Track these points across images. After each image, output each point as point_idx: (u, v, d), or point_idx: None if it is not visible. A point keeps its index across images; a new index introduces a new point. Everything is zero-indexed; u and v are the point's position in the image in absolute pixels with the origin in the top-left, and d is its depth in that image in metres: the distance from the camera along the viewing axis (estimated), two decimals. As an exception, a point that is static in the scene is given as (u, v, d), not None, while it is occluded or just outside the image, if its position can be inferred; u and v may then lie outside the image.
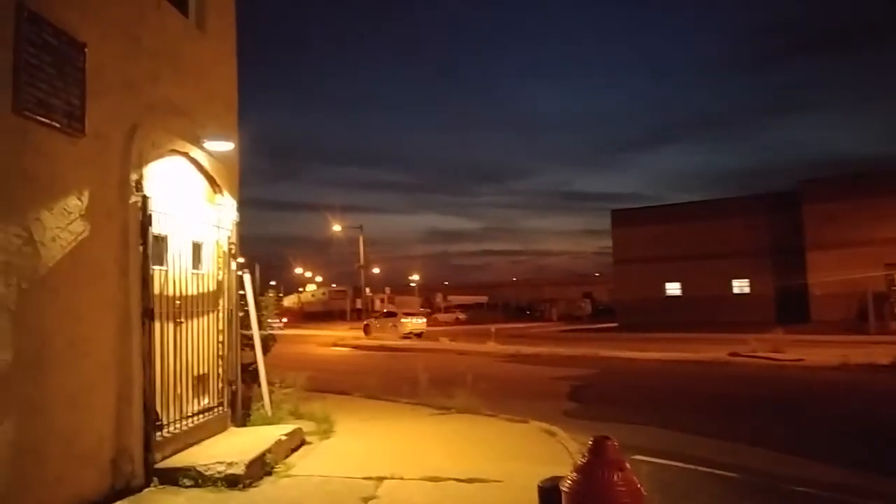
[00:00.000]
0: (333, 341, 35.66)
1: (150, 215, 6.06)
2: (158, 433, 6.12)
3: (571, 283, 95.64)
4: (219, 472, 5.85)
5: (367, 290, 62.45)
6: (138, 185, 5.94)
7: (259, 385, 8.72)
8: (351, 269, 51.53)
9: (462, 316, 66.93)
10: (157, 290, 6.40)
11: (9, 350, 4.46)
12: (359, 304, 65.10)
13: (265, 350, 10.59)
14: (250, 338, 10.23)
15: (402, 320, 38.38)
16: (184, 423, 6.70)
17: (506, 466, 6.72)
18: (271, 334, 10.92)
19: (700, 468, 7.29)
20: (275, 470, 6.43)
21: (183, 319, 6.93)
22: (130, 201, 5.85)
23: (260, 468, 6.24)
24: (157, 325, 6.32)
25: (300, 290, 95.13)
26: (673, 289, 44.03)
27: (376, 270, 79.90)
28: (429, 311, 73.63)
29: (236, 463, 5.96)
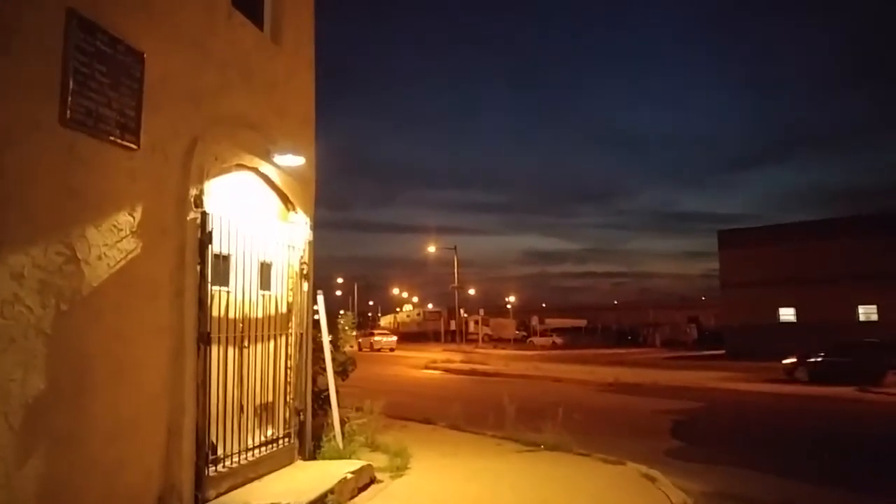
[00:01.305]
0: (426, 363, 35.31)
1: (210, 233, 5.70)
2: (213, 468, 5.70)
3: (676, 307, 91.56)
4: (273, 514, 5.35)
5: (462, 311, 61.96)
6: (198, 201, 5.61)
7: (332, 414, 8.22)
8: (446, 290, 51.34)
9: (559, 340, 65.13)
10: (218, 313, 6.04)
11: (42, 376, 4.12)
12: (453, 326, 64.73)
13: (343, 375, 10.17)
14: (334, 360, 9.85)
15: (375, 338, 51.68)
16: (244, 456, 6.27)
17: (596, 522, 5.87)
18: (351, 358, 10.49)
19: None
20: (336, 513, 5.88)
21: (247, 344, 6.54)
22: (188, 218, 5.51)
23: (320, 510, 5.70)
24: (217, 350, 5.95)
25: (397, 310, 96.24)
26: (787, 314, 40.77)
27: (472, 291, 79.63)
28: (525, 334, 72.46)
29: (293, 504, 5.44)
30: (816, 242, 38.16)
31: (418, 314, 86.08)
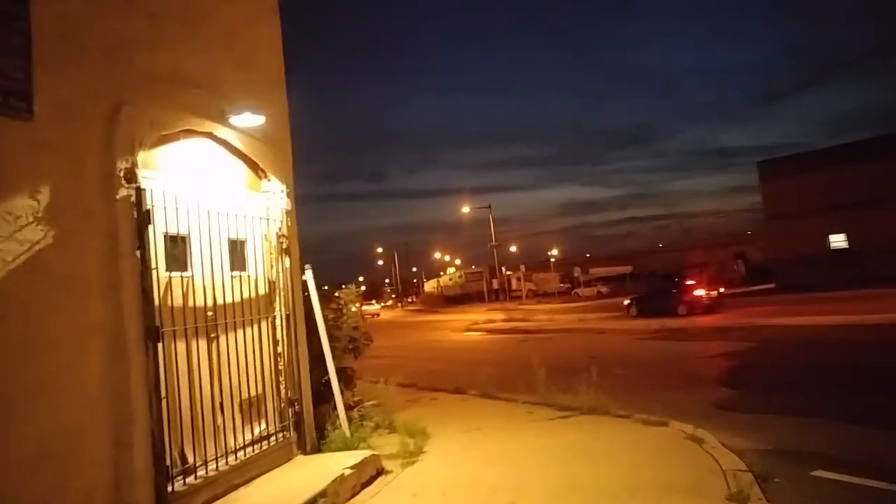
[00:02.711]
0: (467, 325, 34.67)
1: (149, 212, 4.87)
2: (181, 480, 4.97)
3: (721, 244, 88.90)
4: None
5: (503, 269, 61.01)
6: (129, 176, 4.77)
7: (337, 401, 7.47)
8: (488, 250, 50.19)
9: (604, 289, 63.72)
10: (175, 303, 5.26)
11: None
12: (496, 285, 63.92)
13: (355, 353, 9.41)
14: (338, 339, 9.09)
15: (363, 308, 55.24)
16: (226, 460, 5.54)
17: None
18: (365, 334, 9.70)
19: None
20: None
21: (218, 333, 5.77)
22: (119, 196, 4.68)
23: (310, 518, 4.94)
24: (178, 345, 5.18)
25: (440, 274, 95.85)
26: (838, 241, 38.61)
27: (513, 248, 78.54)
28: (569, 286, 71.13)
29: (275, 515, 4.69)
30: (863, 163, 35.71)
31: (460, 276, 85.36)
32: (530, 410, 9.38)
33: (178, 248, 5.39)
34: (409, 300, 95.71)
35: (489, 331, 30.82)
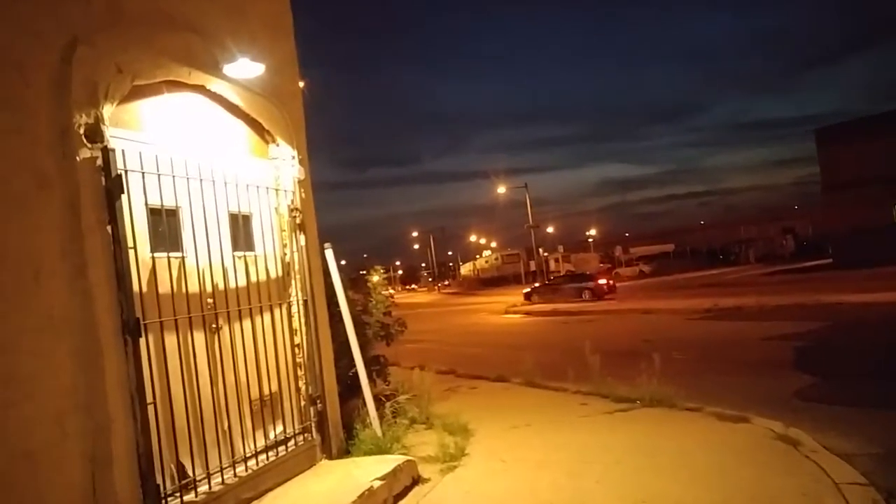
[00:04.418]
0: (505, 308, 33.68)
1: (120, 178, 3.98)
2: (178, 498, 4.12)
3: (767, 219, 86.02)
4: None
5: (540, 250, 59.68)
6: (92, 133, 3.87)
7: (366, 395, 6.56)
8: (524, 232, 48.94)
9: (646, 268, 62.01)
10: (163, 289, 4.38)
11: None
12: (533, 267, 62.62)
13: (387, 340, 8.51)
14: (368, 326, 8.20)
15: None
16: (234, 471, 4.68)
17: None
18: (398, 320, 8.78)
19: None
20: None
21: (221, 324, 4.89)
22: (80, 159, 3.79)
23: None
24: (170, 340, 4.30)
25: (476, 257, 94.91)
26: (903, 212, 36.40)
27: (550, 229, 77.03)
28: (609, 265, 69.44)
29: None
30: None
31: (496, 258, 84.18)
32: (583, 402, 8.36)
33: (166, 224, 4.50)
34: (446, 283, 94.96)
35: (528, 313, 29.74)
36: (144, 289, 4.16)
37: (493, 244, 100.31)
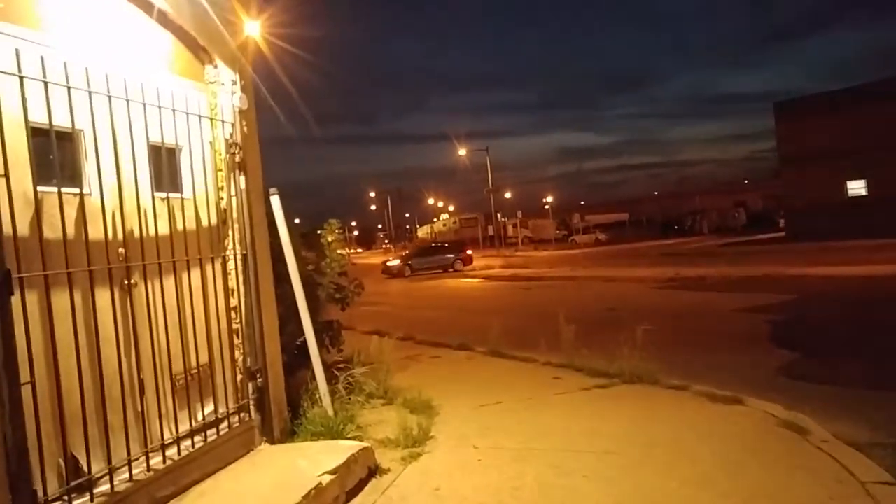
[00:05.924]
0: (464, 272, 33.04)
1: (-11, 81, 2.94)
2: (64, 503, 3.20)
3: (720, 192, 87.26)
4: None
5: (499, 215, 59.10)
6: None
7: (316, 368, 5.67)
8: (482, 196, 48.28)
9: (602, 236, 62.13)
10: (53, 234, 3.38)
11: None
12: (491, 231, 62.10)
13: (343, 304, 7.61)
14: (321, 287, 7.28)
15: None
16: (149, 461, 3.76)
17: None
18: (355, 281, 7.87)
19: None
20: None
21: (137, 280, 3.91)
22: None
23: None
24: (61, 299, 3.33)
25: (434, 220, 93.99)
26: (857, 188, 36.69)
27: (508, 195, 76.27)
28: (566, 233, 69.32)
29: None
30: (889, 105, 33.56)
31: (454, 222, 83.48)
32: (556, 375, 7.66)
33: (61, 151, 3.48)
34: (403, 247, 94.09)
35: (488, 277, 29.15)
36: (24, 232, 3.16)
37: (451, 207, 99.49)
